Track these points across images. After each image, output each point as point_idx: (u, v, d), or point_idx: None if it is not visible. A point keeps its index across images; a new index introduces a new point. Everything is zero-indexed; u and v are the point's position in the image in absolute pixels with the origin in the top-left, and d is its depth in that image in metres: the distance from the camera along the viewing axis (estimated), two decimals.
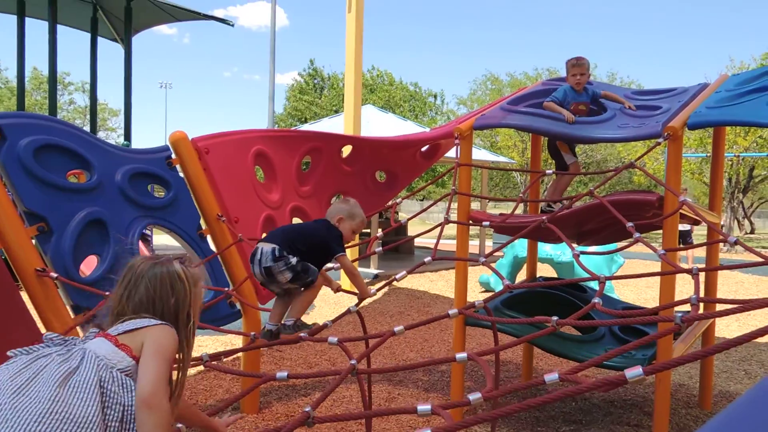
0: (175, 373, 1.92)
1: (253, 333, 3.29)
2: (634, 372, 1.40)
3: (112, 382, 1.66)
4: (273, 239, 3.02)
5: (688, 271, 2.59)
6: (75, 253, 3.44)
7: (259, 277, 3.04)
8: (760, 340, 6.92)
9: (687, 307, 2.21)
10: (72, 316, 3.42)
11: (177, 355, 1.89)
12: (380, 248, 4.34)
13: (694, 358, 1.42)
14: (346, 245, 3.26)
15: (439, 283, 11.48)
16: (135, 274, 1.90)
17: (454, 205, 4.49)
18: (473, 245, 15.69)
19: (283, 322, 3.08)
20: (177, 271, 1.89)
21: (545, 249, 9.10)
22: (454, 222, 4.08)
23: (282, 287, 3.05)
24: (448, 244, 9.30)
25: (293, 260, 2.94)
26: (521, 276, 9.14)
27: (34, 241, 3.39)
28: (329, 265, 3.52)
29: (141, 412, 1.64)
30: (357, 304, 3.39)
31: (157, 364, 1.71)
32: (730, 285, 11.95)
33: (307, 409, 1.77)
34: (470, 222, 4.39)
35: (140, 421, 1.64)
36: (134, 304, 1.86)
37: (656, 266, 3.61)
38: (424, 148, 5.74)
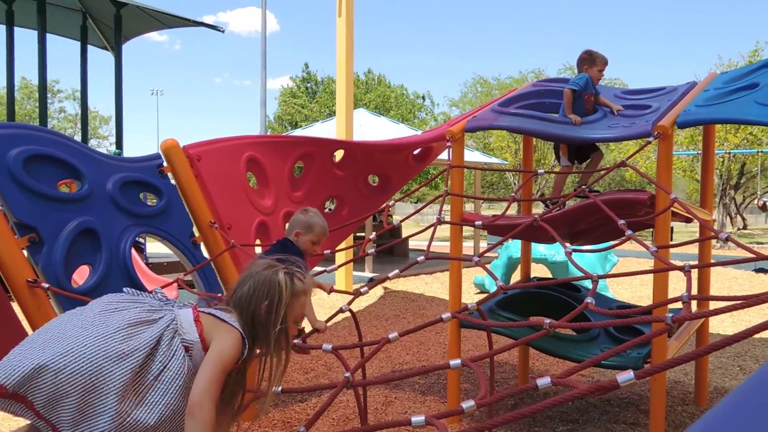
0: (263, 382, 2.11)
1: None
2: (625, 377, 1.40)
3: (169, 345, 1.85)
4: None
5: (681, 269, 2.60)
6: (67, 264, 3.42)
7: None
8: (754, 336, 6.95)
9: (680, 305, 2.21)
10: None
11: (259, 362, 2.08)
12: (373, 249, 4.33)
13: (686, 359, 1.43)
14: (309, 253, 3.24)
15: (434, 285, 11.48)
16: (248, 272, 2.09)
17: (447, 207, 4.50)
18: (467, 246, 15.70)
19: None
20: (278, 280, 2.02)
21: (539, 249, 9.12)
22: (446, 223, 4.08)
23: None
24: (442, 246, 9.32)
25: None
26: (516, 276, 9.15)
27: (25, 252, 3.37)
28: (318, 269, 3.51)
29: (186, 419, 1.80)
30: (349, 303, 3.38)
31: (210, 372, 1.84)
32: (724, 281, 12.00)
33: (301, 430, 1.77)
34: (463, 222, 4.39)
35: (185, 426, 1.80)
36: (236, 298, 2.04)
37: (650, 265, 3.62)
38: (416, 151, 5.75)
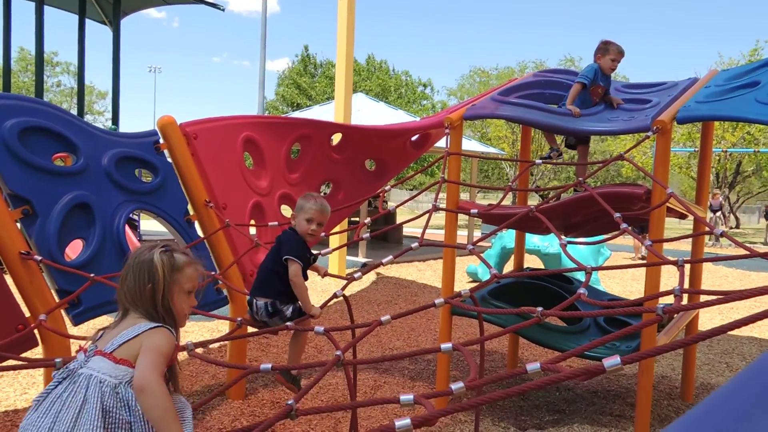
0: None
1: (239, 318, 3.29)
2: (612, 361, 1.41)
3: (117, 403, 1.81)
4: (263, 291, 3.11)
5: (674, 263, 2.61)
6: (60, 237, 3.41)
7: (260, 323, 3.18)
8: (741, 333, 7.01)
9: (671, 299, 2.22)
10: (57, 299, 3.40)
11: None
12: (368, 234, 4.33)
13: (674, 347, 1.43)
14: (311, 237, 3.23)
15: (427, 273, 11.51)
16: (127, 262, 2.06)
17: (443, 195, 4.49)
18: (462, 235, 15.73)
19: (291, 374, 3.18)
20: (153, 259, 2.01)
21: (533, 240, 9.14)
22: (442, 209, 4.08)
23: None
24: (437, 234, 9.32)
25: (288, 312, 3.07)
26: (509, 267, 9.18)
27: (18, 224, 3.35)
28: (316, 251, 3.51)
29: (138, 399, 1.79)
30: (343, 288, 3.39)
31: (147, 357, 1.83)
32: (715, 279, 12.07)
33: (289, 402, 1.77)
34: (458, 210, 4.39)
35: (141, 407, 1.79)
36: (125, 291, 2.02)
37: (642, 260, 3.64)
38: (414, 138, 5.73)
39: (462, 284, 10.03)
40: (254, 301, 3.11)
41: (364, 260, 12.05)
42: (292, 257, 3.04)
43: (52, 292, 3.41)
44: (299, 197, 3.30)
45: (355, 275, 3.44)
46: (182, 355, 5.38)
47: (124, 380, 1.83)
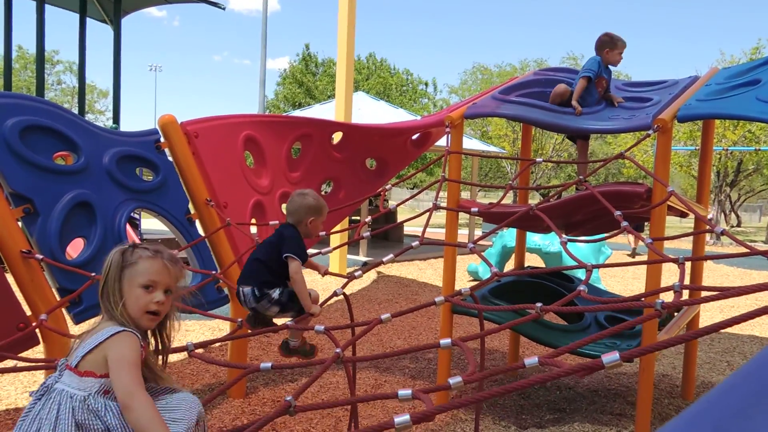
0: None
1: (239, 319, 3.29)
2: (610, 357, 1.41)
3: (89, 415, 1.82)
4: (248, 279, 3.07)
5: (675, 260, 2.61)
6: (61, 235, 3.42)
7: (254, 313, 3.14)
8: (742, 331, 7.01)
9: (671, 296, 2.22)
10: (58, 298, 3.40)
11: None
12: (368, 233, 4.33)
13: (674, 342, 1.43)
14: (315, 234, 3.22)
15: (428, 272, 11.51)
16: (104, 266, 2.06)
17: (443, 194, 4.50)
18: (462, 234, 15.73)
19: (285, 339, 3.17)
20: (107, 257, 2.04)
21: (534, 239, 9.14)
22: (442, 208, 4.08)
23: (279, 317, 3.11)
24: (437, 233, 9.33)
25: (275, 294, 3.01)
26: (509, 266, 9.18)
27: (20, 223, 3.36)
28: (313, 250, 3.52)
29: (124, 415, 1.81)
30: (343, 286, 3.39)
31: (122, 375, 1.83)
32: (716, 277, 12.07)
33: (288, 399, 1.77)
34: (459, 209, 4.39)
35: (130, 423, 1.81)
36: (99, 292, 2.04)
37: (643, 259, 3.64)
38: (414, 136, 5.73)
39: (463, 283, 10.03)
40: (241, 289, 3.08)
41: (364, 259, 12.05)
42: (293, 255, 3.01)
43: (53, 290, 3.42)
44: (297, 194, 3.24)
45: (356, 274, 3.44)
46: (182, 354, 5.40)
47: (92, 391, 1.85)
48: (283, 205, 4.81)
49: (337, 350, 2.22)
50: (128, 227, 4.76)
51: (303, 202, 3.14)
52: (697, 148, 12.16)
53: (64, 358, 1.97)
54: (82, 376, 1.86)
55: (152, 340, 2.15)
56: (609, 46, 4.58)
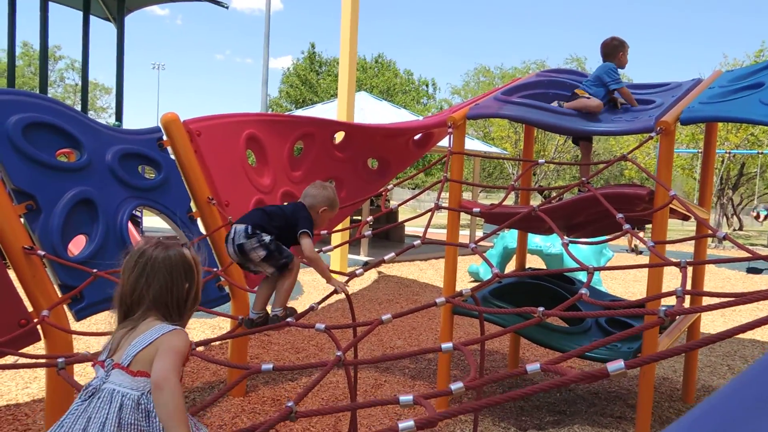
0: None
1: (240, 316, 3.29)
2: (615, 365, 1.40)
3: (138, 416, 1.77)
4: (245, 219, 3.02)
5: (676, 264, 2.61)
6: (63, 232, 3.42)
7: (233, 257, 3.02)
8: (743, 336, 7.00)
9: (673, 300, 2.22)
10: (59, 294, 3.41)
11: None
12: (370, 232, 4.33)
13: (676, 352, 1.43)
14: (318, 229, 3.24)
15: (429, 272, 11.51)
16: (151, 260, 1.94)
17: (445, 194, 4.49)
18: (464, 235, 15.71)
19: (271, 313, 3.08)
20: (187, 256, 1.97)
21: (535, 240, 9.13)
22: (444, 208, 4.08)
23: (258, 267, 3.01)
24: (439, 233, 9.32)
25: (266, 238, 2.93)
26: (510, 267, 9.17)
27: (22, 219, 3.36)
28: (319, 248, 3.52)
29: (153, 395, 1.75)
30: (346, 282, 3.38)
31: (166, 357, 1.79)
32: (717, 281, 12.05)
33: (289, 404, 1.76)
34: (461, 209, 4.39)
35: (155, 402, 1.76)
36: (155, 292, 1.92)
37: (644, 261, 3.64)
38: (417, 137, 5.73)
39: (464, 284, 10.03)
40: (234, 227, 2.99)
41: (365, 259, 12.05)
42: (308, 232, 3.01)
43: (55, 287, 3.42)
44: (322, 188, 3.23)
45: (357, 272, 3.44)
46: None
47: (145, 390, 1.81)
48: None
49: (338, 353, 2.21)
50: (130, 224, 4.73)
51: (323, 192, 3.19)
52: (700, 150, 12.18)
53: (109, 359, 1.89)
54: (135, 376, 1.82)
55: None
56: (621, 49, 4.62)
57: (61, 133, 3.58)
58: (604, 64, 4.57)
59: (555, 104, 4.45)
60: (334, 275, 3.28)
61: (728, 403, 0.72)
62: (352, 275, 3.46)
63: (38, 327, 3.25)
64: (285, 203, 3.25)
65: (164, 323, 1.91)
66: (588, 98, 4.29)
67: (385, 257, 3.49)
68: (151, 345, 1.84)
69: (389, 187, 5.46)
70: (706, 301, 4.50)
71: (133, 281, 1.94)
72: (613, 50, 4.61)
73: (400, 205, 5.24)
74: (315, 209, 3.15)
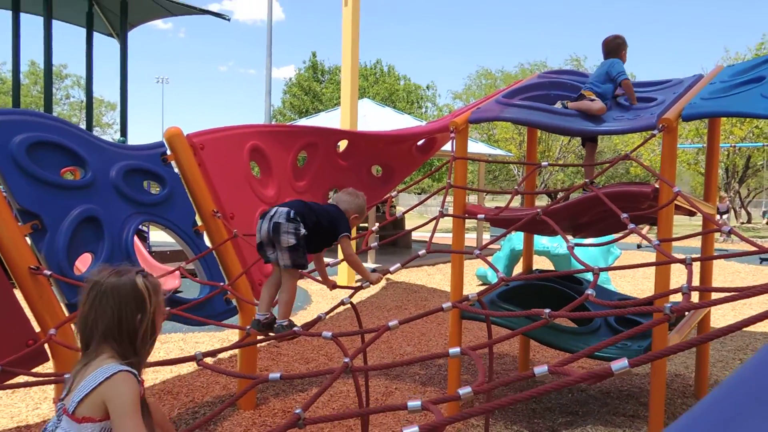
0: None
1: (247, 327, 3.29)
2: (620, 364, 1.40)
3: None
4: (290, 204, 3.09)
5: (682, 261, 2.59)
6: (69, 251, 3.44)
7: (263, 235, 3.02)
8: (755, 329, 6.94)
9: (681, 297, 2.21)
10: (66, 313, 3.42)
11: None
12: (377, 243, 4.34)
13: (682, 347, 1.42)
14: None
15: (437, 277, 11.49)
16: (101, 291, 1.87)
17: (450, 198, 4.49)
18: (470, 238, 15.70)
19: (276, 323, 3.09)
20: (138, 285, 1.88)
21: (542, 241, 9.10)
22: (449, 215, 4.07)
23: (276, 254, 3.01)
24: (446, 237, 9.31)
25: (302, 230, 2.97)
26: (518, 268, 9.15)
27: (28, 239, 3.38)
28: (328, 260, 3.54)
29: None
30: (350, 296, 3.39)
31: (125, 425, 1.74)
32: (727, 275, 11.98)
33: (297, 411, 1.76)
34: (466, 215, 4.38)
35: None
36: (104, 325, 1.85)
37: (653, 258, 3.62)
38: (420, 142, 5.74)
39: (472, 287, 10.01)
40: (276, 208, 3.02)
41: (373, 266, 12.04)
42: (348, 235, 3.15)
43: (62, 306, 3.44)
44: (354, 195, 3.32)
45: (363, 284, 3.44)
46: (191, 365, 5.40)
47: None
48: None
49: (346, 360, 2.21)
50: (137, 240, 4.77)
51: (356, 200, 3.31)
52: (705, 145, 12.12)
53: (60, 402, 1.85)
54: (81, 423, 1.77)
55: None
56: (623, 47, 4.64)
57: (65, 151, 3.60)
58: (609, 60, 4.57)
59: (558, 104, 4.44)
60: (340, 287, 3.32)
61: (725, 402, 0.71)
62: (358, 288, 3.46)
63: (46, 347, 3.27)
64: (329, 205, 3.34)
65: (114, 362, 1.83)
66: (592, 101, 4.28)
67: (391, 269, 3.50)
68: (94, 392, 1.77)
69: (393, 193, 5.46)
70: (714, 296, 4.47)
71: (85, 314, 1.88)
72: (617, 48, 4.61)
73: (405, 212, 5.23)
74: (347, 215, 3.26)
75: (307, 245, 3.05)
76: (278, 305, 3.10)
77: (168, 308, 3.45)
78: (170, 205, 4.18)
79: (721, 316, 7.65)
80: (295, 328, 2.97)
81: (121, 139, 12.30)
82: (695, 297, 4.87)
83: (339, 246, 3.21)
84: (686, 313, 4.46)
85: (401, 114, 17.55)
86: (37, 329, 3.31)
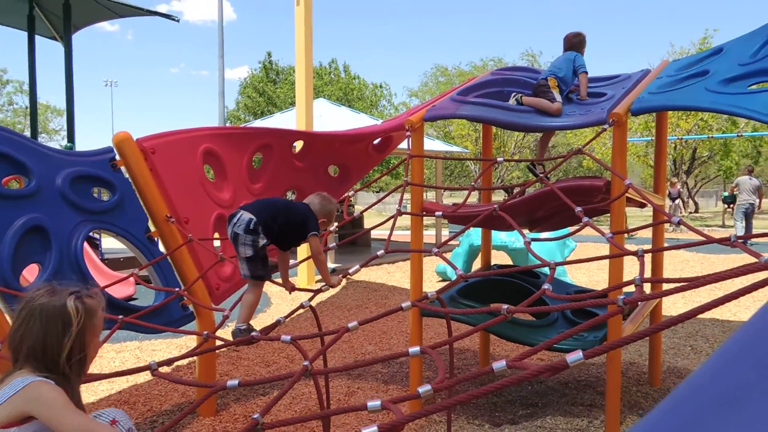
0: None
1: (205, 332, 3.23)
2: (574, 357, 1.42)
3: None
4: (254, 210, 3.08)
5: (634, 254, 2.66)
6: (14, 262, 3.31)
7: (230, 238, 3.11)
8: (704, 316, 7.18)
9: (633, 288, 2.26)
10: None
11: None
12: (335, 243, 4.32)
13: (635, 338, 1.45)
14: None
15: (397, 275, 11.52)
16: (30, 310, 1.86)
17: (408, 196, 4.49)
18: (429, 235, 15.79)
19: (234, 326, 3.07)
20: (67, 308, 1.87)
21: (499, 236, 9.22)
22: (406, 213, 4.08)
23: (243, 262, 3.09)
24: (404, 235, 9.34)
25: (261, 242, 3.02)
26: (477, 264, 9.25)
27: None
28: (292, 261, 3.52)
29: None
30: (310, 299, 3.37)
31: (69, 418, 1.72)
32: (676, 264, 12.35)
33: (255, 416, 1.73)
34: (423, 213, 4.40)
35: None
36: (28, 345, 1.84)
37: (607, 249, 3.70)
38: (376, 141, 5.73)
39: (432, 284, 10.07)
40: (241, 212, 3.04)
41: (333, 266, 12.00)
42: (317, 233, 3.18)
43: (8, 318, 3.31)
44: (325, 200, 3.35)
45: (322, 287, 3.42)
46: (148, 374, 5.28)
47: None
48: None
49: (305, 363, 2.19)
50: (88, 248, 4.62)
51: (327, 205, 3.35)
52: (653, 138, 12.48)
53: None
54: None
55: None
56: (585, 45, 4.77)
57: (7, 159, 3.47)
58: (572, 52, 4.68)
59: (512, 100, 4.49)
60: (300, 290, 3.31)
61: (695, 399, 0.72)
62: (318, 291, 3.44)
63: None
64: (299, 203, 3.40)
65: (31, 375, 1.81)
66: (551, 102, 4.34)
67: (350, 270, 3.51)
68: (8, 402, 1.75)
69: (351, 193, 5.45)
70: (666, 287, 4.60)
71: (14, 331, 1.88)
72: (579, 44, 4.75)
73: (363, 212, 5.24)
74: (317, 216, 3.30)
75: (277, 242, 3.13)
76: (240, 308, 3.08)
77: (121, 316, 3.37)
78: (121, 212, 4.07)
79: (672, 304, 7.88)
80: (253, 333, 2.93)
81: (69, 145, 11.92)
82: (648, 288, 5.01)
83: (307, 244, 3.22)
84: (639, 303, 4.58)
85: (357, 113, 17.53)
86: None
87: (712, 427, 0.65)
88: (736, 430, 0.63)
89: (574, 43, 4.74)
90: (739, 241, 2.42)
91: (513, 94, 4.60)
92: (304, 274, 10.17)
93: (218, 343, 3.15)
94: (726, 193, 22.59)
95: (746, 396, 0.66)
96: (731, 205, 20.12)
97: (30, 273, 3.64)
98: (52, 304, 1.86)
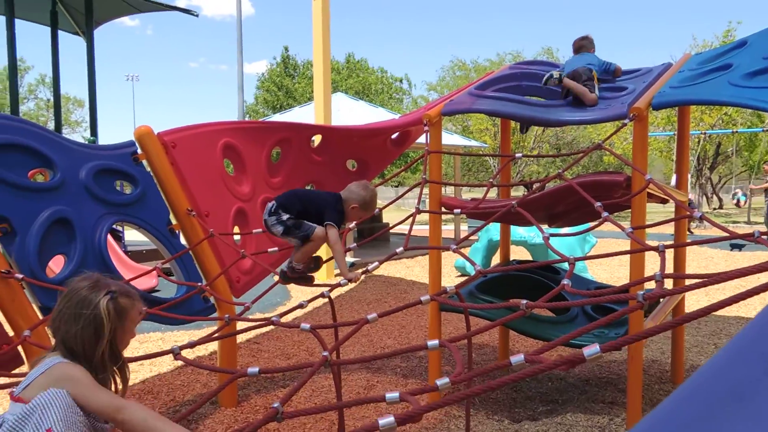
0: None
1: (227, 315, 3.30)
2: (591, 350, 1.42)
3: None
4: (277, 197, 3.38)
5: (655, 249, 2.63)
6: (40, 254, 3.37)
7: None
8: (728, 313, 7.09)
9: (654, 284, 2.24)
10: (40, 316, 3.36)
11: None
12: (355, 244, 4.35)
13: (655, 331, 1.44)
14: (347, 220, 3.48)
15: (416, 269, 11.52)
16: (69, 303, 1.97)
17: (427, 191, 4.49)
18: (448, 230, 15.77)
19: (290, 265, 3.41)
20: (100, 311, 1.95)
21: (519, 231, 9.18)
22: (425, 212, 4.08)
23: (283, 238, 3.37)
24: (424, 230, 9.33)
25: (284, 217, 3.27)
26: (497, 259, 9.22)
27: None
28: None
29: (122, 429, 1.81)
30: (330, 290, 3.39)
31: (96, 396, 1.83)
32: (701, 261, 12.19)
33: (275, 405, 1.76)
34: (442, 210, 4.39)
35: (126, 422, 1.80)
36: (63, 334, 1.96)
37: (628, 245, 3.67)
38: (394, 136, 5.73)
39: (451, 279, 10.06)
40: (268, 202, 3.36)
41: (352, 260, 12.03)
42: (333, 224, 3.29)
43: (36, 309, 3.38)
44: (363, 188, 3.45)
45: (341, 282, 3.44)
46: (171, 364, 5.36)
47: (17, 413, 1.80)
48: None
49: (324, 353, 2.20)
50: (111, 240, 4.68)
51: (361, 191, 3.44)
52: (676, 133, 12.31)
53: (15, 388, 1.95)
54: (15, 402, 1.84)
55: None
56: (594, 46, 4.77)
57: (32, 153, 3.53)
58: (587, 54, 4.69)
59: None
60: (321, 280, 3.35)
61: (702, 393, 0.72)
62: (337, 285, 3.46)
63: (21, 351, 3.21)
64: (326, 192, 3.60)
65: (60, 357, 1.93)
66: (590, 92, 4.28)
67: (369, 267, 3.54)
68: (36, 381, 1.86)
69: None
70: (687, 283, 4.55)
71: (55, 316, 2.00)
72: (590, 44, 4.77)
73: (383, 208, 5.26)
74: (348, 203, 3.42)
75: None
76: (294, 251, 3.40)
77: (145, 308, 3.42)
78: (143, 205, 4.13)
79: (696, 302, 7.79)
80: (273, 319, 2.93)
81: (92, 138, 12.08)
82: (669, 284, 4.95)
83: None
84: (661, 299, 4.53)
85: (375, 107, 17.53)
86: (10, 333, 3.26)
87: (719, 421, 0.65)
88: (743, 424, 0.63)
89: (585, 44, 4.76)
90: (763, 237, 2.38)
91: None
92: (323, 269, 10.20)
93: (240, 326, 3.19)
94: (741, 194, 21.46)
95: (753, 390, 0.66)
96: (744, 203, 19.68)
97: (56, 265, 3.70)
98: (88, 302, 1.95)
